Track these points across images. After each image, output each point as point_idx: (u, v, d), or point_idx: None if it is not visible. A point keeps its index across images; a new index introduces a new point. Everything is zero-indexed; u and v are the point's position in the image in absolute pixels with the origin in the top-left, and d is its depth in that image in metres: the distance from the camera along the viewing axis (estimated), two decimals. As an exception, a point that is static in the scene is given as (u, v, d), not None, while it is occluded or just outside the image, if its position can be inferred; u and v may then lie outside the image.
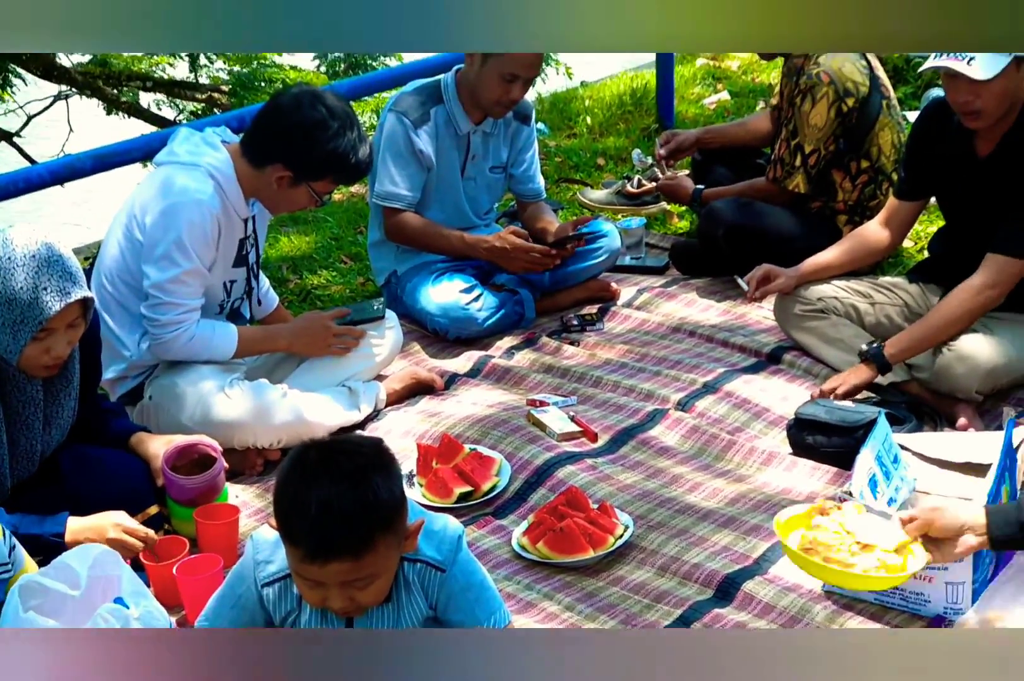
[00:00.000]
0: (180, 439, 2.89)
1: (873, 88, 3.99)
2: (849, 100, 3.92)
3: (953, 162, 3.46)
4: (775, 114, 4.31)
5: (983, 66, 3.13)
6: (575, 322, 3.92)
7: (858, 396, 3.36)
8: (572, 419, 3.30)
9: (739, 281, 3.74)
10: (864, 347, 3.34)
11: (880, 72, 4.08)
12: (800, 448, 3.21)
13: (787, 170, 4.01)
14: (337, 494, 1.92)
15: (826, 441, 3.14)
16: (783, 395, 3.46)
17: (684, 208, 4.75)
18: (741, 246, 4.00)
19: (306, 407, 3.23)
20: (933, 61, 3.22)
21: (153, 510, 2.80)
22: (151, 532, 2.69)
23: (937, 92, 5.00)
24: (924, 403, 3.38)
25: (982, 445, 3.00)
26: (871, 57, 4.06)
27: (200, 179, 3.10)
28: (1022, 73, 3.20)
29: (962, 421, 3.28)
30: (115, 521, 2.65)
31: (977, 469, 2.94)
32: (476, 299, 3.80)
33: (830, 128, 3.94)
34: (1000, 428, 3.02)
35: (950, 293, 3.33)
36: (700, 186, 4.27)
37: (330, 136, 3.12)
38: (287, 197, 3.24)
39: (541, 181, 4.14)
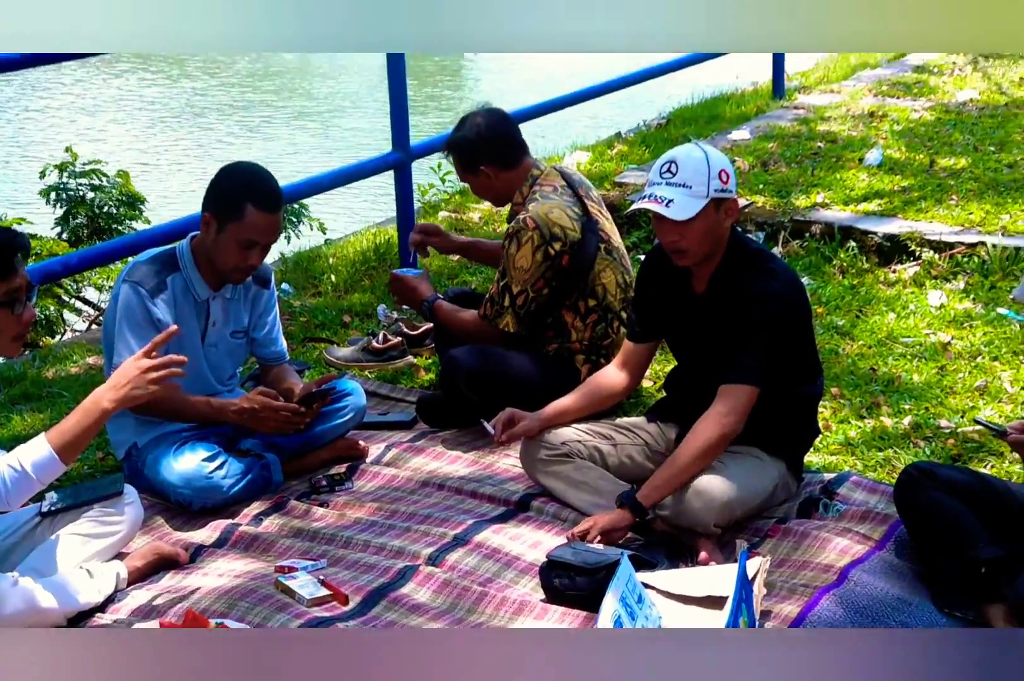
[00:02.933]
0: None
1: (588, 230, 4.18)
2: (556, 244, 4.10)
3: (675, 303, 3.63)
4: None
5: (681, 208, 3.33)
6: (324, 483, 3.90)
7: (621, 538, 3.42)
8: (322, 583, 3.26)
9: (485, 425, 3.80)
10: (620, 492, 3.39)
11: (600, 216, 4.27)
12: (549, 591, 3.24)
13: (497, 309, 4.17)
14: None
15: (570, 583, 3.17)
16: (533, 542, 3.49)
17: (430, 361, 4.82)
18: (483, 392, 4.07)
19: (40, 594, 3.08)
20: (638, 204, 3.41)
21: None
22: None
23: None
24: (672, 540, 3.46)
25: (721, 578, 3.09)
26: (589, 202, 4.26)
27: None
28: (721, 214, 3.41)
29: (703, 555, 3.37)
30: None
31: (718, 602, 3.03)
32: (220, 467, 3.74)
33: (537, 271, 4.11)
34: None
35: (691, 429, 3.43)
36: (436, 295, 4.36)
37: None
38: None
39: (284, 343, 4.15)
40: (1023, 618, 2.91)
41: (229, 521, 3.69)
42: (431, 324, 4.82)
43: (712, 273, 3.51)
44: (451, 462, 4.04)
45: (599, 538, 3.34)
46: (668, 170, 3.37)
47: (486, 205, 6.53)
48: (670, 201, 3.33)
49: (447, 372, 4.19)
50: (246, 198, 3.66)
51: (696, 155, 3.38)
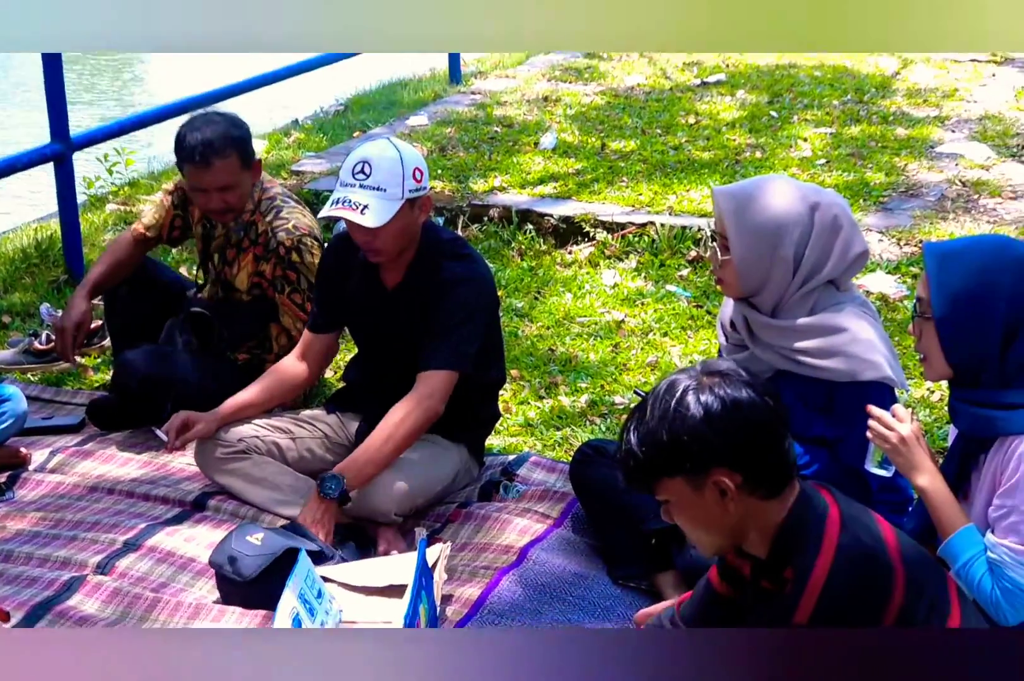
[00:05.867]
0: None
1: None
2: (318, 246, 3.97)
3: (363, 294, 3.57)
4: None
5: (376, 214, 3.27)
6: (-20, 495, 3.66)
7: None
8: (-22, 602, 3.06)
9: (157, 433, 3.65)
10: (328, 495, 3.28)
11: None
12: (222, 593, 3.16)
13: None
14: None
15: (234, 589, 3.09)
16: (209, 542, 3.36)
17: (99, 361, 4.61)
18: (157, 398, 3.89)
19: None
20: (330, 210, 3.31)
21: None
22: None
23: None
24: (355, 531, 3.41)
25: (402, 566, 3.07)
26: None
27: None
28: (415, 211, 3.37)
29: (382, 546, 3.34)
30: None
31: (399, 590, 3.00)
32: None
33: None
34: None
35: (389, 412, 3.38)
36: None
37: None
38: None
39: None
40: (691, 584, 2.99)
41: None
42: (99, 321, 4.60)
43: (407, 266, 3.48)
44: (122, 465, 3.86)
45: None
46: (362, 171, 3.29)
47: (157, 196, 6.28)
48: (364, 207, 3.26)
49: (120, 376, 3.99)
50: None
51: (390, 155, 3.31)
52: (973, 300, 2.50)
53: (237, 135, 3.89)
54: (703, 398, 2.14)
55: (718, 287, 3.20)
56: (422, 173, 3.36)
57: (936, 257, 2.55)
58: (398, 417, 3.35)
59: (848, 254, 3.00)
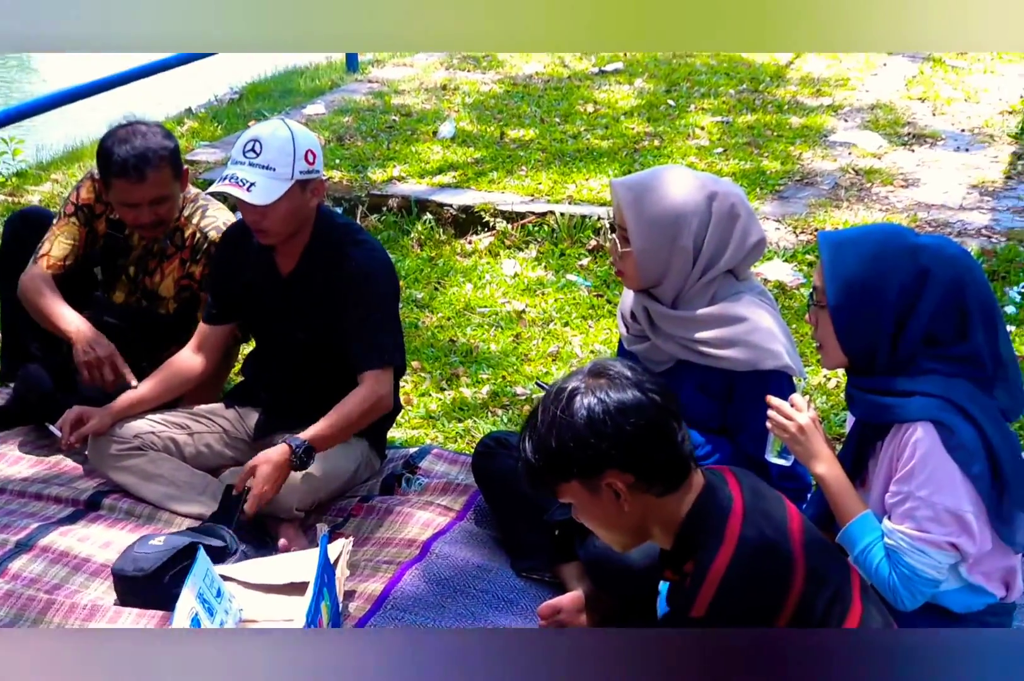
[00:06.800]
0: None
1: None
2: None
3: (258, 283, 3.51)
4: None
5: (262, 192, 3.21)
6: None
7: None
8: None
9: (51, 429, 3.57)
10: (292, 444, 3.26)
11: None
12: (119, 594, 3.09)
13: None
14: None
15: (133, 588, 3.03)
16: (104, 542, 3.30)
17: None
18: (61, 409, 3.74)
19: None
20: (217, 185, 3.25)
21: None
22: None
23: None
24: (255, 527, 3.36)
25: (303, 563, 3.03)
26: None
27: None
28: (307, 194, 3.31)
29: (283, 542, 3.30)
30: None
31: (300, 588, 2.96)
32: None
33: None
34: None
35: (350, 398, 3.34)
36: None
37: None
38: None
39: None
40: (594, 575, 2.99)
41: None
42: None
43: (301, 251, 3.42)
44: (13, 463, 3.76)
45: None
46: (252, 149, 3.23)
47: (46, 187, 6.18)
48: (251, 184, 3.20)
49: (24, 387, 3.85)
50: None
51: (282, 134, 3.25)
52: (865, 288, 2.52)
53: (168, 145, 3.66)
54: (586, 402, 2.15)
55: (618, 278, 3.20)
56: (315, 156, 3.30)
57: (830, 246, 2.57)
58: (364, 407, 3.35)
59: (746, 243, 3.01)
